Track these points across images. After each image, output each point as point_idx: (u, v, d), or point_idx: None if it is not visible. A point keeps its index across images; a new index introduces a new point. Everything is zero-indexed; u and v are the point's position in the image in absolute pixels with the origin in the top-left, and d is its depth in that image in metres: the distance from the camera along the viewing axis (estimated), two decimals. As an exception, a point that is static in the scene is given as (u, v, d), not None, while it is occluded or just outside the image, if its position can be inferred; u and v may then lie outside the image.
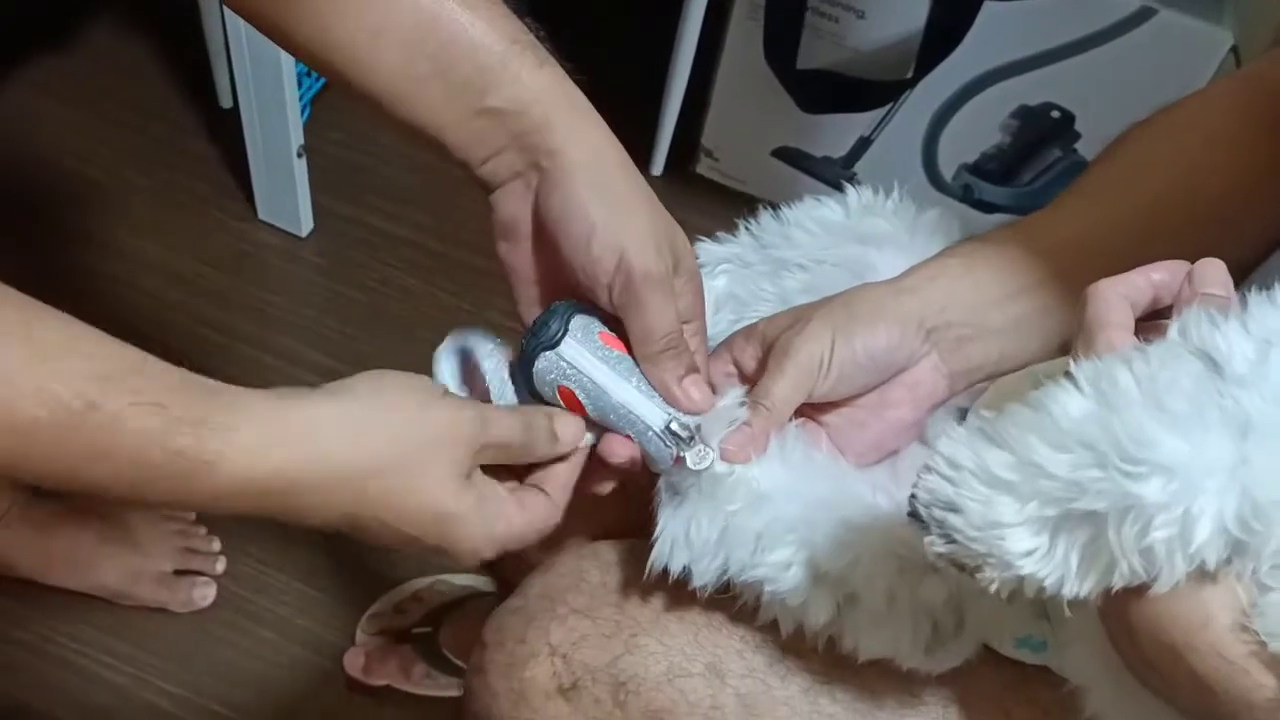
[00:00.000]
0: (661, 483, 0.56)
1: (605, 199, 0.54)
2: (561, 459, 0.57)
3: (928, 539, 0.42)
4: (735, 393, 0.56)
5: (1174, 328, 0.42)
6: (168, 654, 1.16)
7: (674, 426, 0.54)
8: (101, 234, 1.43)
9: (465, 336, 0.59)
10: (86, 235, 1.43)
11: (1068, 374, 0.41)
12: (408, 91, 0.55)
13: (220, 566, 1.20)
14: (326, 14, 0.54)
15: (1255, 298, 0.42)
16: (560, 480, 0.57)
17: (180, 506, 0.50)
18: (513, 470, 0.56)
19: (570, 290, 0.56)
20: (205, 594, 1.18)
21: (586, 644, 0.57)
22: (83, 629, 1.16)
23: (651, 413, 0.55)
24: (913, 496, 0.42)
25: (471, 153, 0.56)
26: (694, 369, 0.55)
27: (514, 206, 0.57)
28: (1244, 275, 0.63)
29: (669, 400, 0.55)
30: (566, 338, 0.54)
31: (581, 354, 0.54)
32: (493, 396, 0.57)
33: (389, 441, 0.51)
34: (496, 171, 0.56)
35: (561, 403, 0.56)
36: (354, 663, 1.14)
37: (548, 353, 0.54)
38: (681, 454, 0.54)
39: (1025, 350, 0.58)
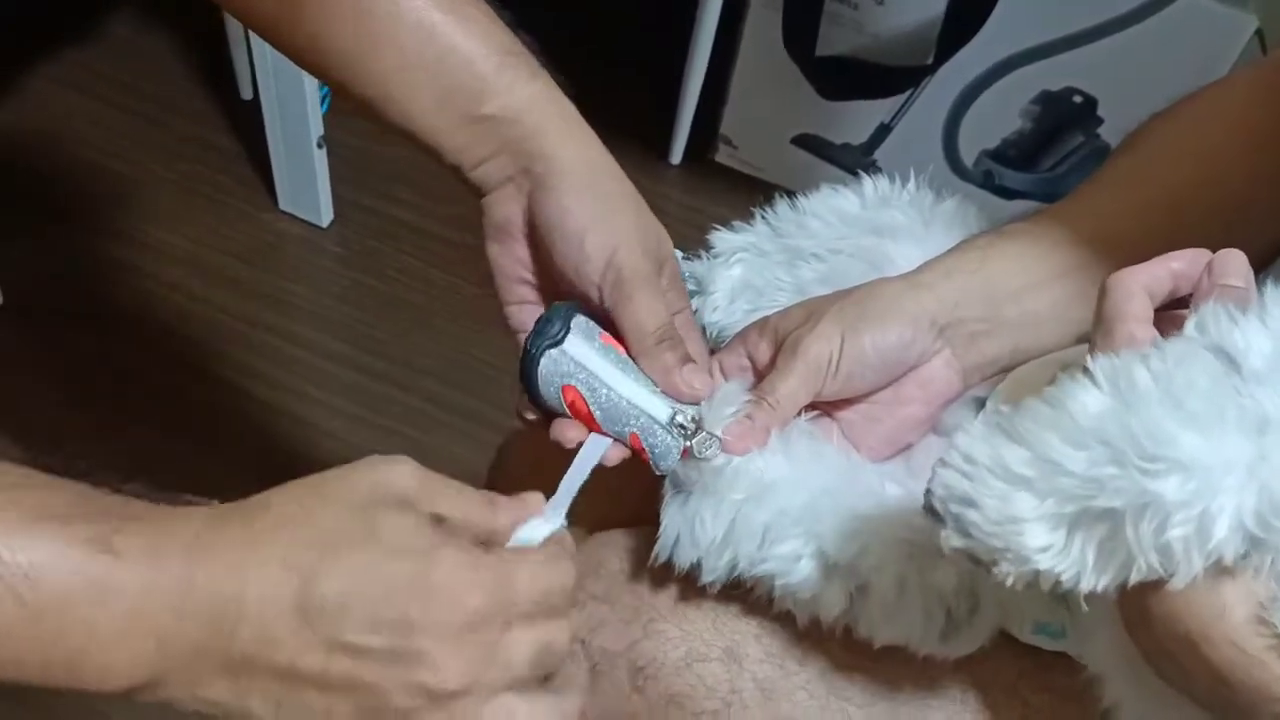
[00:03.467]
0: (667, 479, 0.56)
1: (597, 201, 0.56)
2: None
3: (944, 533, 0.42)
4: (737, 384, 0.56)
5: (1190, 323, 0.42)
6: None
7: (679, 419, 0.54)
8: (124, 226, 1.44)
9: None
10: (109, 227, 1.44)
11: (1085, 370, 0.41)
12: (402, 97, 0.56)
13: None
14: (325, 20, 0.56)
15: (1273, 293, 0.42)
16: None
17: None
18: None
19: (558, 290, 0.57)
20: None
21: (605, 629, 0.58)
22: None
23: (656, 406, 0.55)
24: (928, 491, 0.42)
25: (464, 157, 0.57)
26: (689, 359, 0.56)
27: (507, 209, 0.58)
28: (1266, 264, 0.62)
29: (670, 390, 0.55)
30: (570, 335, 0.55)
31: (585, 350, 0.55)
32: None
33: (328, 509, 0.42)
34: (489, 176, 0.58)
35: (566, 409, 0.56)
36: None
37: (553, 350, 0.55)
38: (689, 444, 0.54)
39: (1040, 344, 0.58)
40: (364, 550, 0.41)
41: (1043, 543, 0.40)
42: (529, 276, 0.60)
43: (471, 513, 0.45)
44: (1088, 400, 0.40)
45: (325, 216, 1.47)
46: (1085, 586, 0.40)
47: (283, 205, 1.47)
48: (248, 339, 1.37)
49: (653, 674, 0.56)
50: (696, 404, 0.55)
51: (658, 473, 0.56)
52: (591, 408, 0.55)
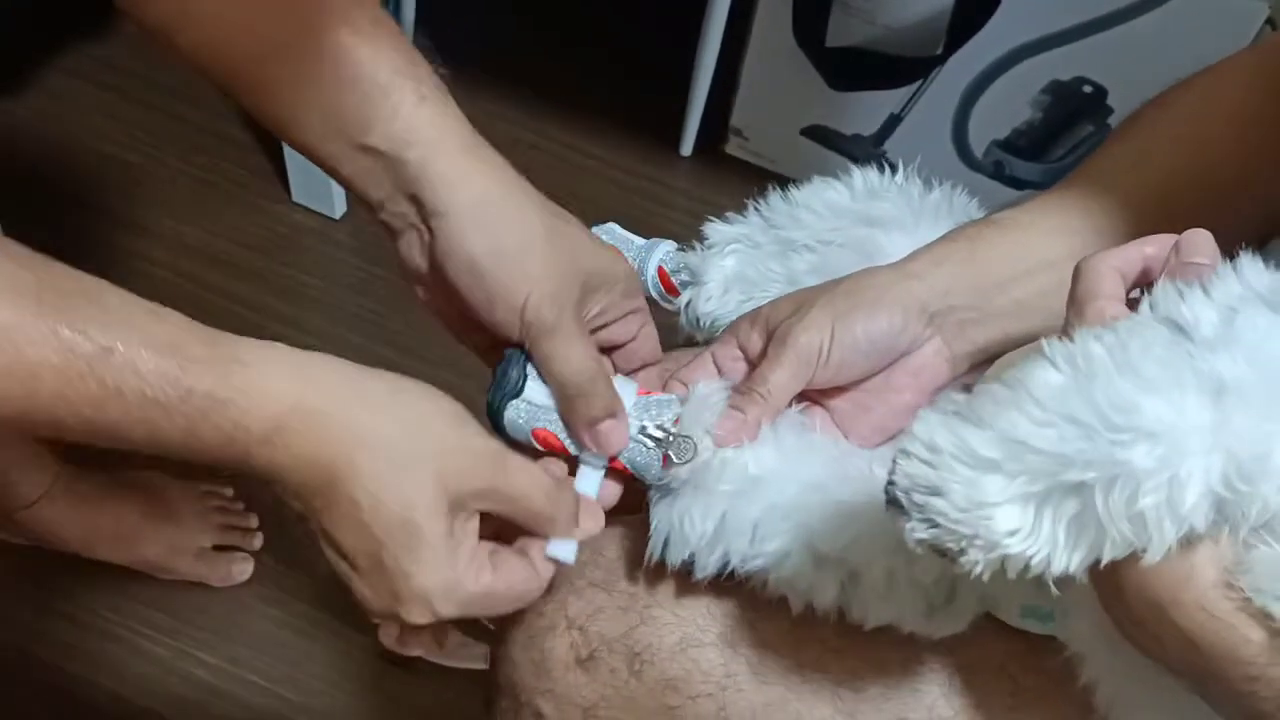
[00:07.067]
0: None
1: (497, 257, 0.53)
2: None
3: (909, 525, 0.41)
4: (711, 385, 0.56)
5: (1145, 303, 0.42)
6: (207, 626, 1.19)
7: (649, 430, 0.55)
8: (139, 218, 1.46)
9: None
10: (125, 219, 1.46)
11: (1040, 353, 0.41)
12: (298, 120, 0.54)
13: (257, 542, 1.22)
14: (219, 26, 0.54)
15: (1222, 268, 0.42)
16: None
17: (183, 449, 0.47)
18: (497, 532, 0.53)
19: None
20: (243, 569, 1.20)
21: (602, 616, 0.58)
22: (125, 601, 1.19)
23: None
24: (890, 484, 0.42)
25: (368, 195, 0.55)
26: (610, 412, 0.55)
27: (416, 259, 0.57)
28: (1263, 248, 0.62)
29: (586, 445, 0.55)
30: (528, 381, 0.55)
31: (546, 393, 0.55)
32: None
33: (398, 425, 0.48)
34: (394, 221, 0.56)
35: (538, 444, 0.56)
36: (388, 634, 1.16)
37: (514, 402, 0.55)
38: (666, 451, 0.54)
39: (1030, 332, 0.58)
40: (387, 523, 0.48)
41: (1012, 525, 0.39)
42: (460, 319, 0.58)
43: (522, 508, 0.51)
44: (1047, 378, 0.40)
45: (338, 208, 1.48)
46: (1056, 568, 0.40)
47: (296, 197, 1.48)
48: (261, 329, 1.37)
49: (649, 659, 0.57)
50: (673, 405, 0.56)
51: (649, 485, 0.56)
52: (565, 443, 0.56)
